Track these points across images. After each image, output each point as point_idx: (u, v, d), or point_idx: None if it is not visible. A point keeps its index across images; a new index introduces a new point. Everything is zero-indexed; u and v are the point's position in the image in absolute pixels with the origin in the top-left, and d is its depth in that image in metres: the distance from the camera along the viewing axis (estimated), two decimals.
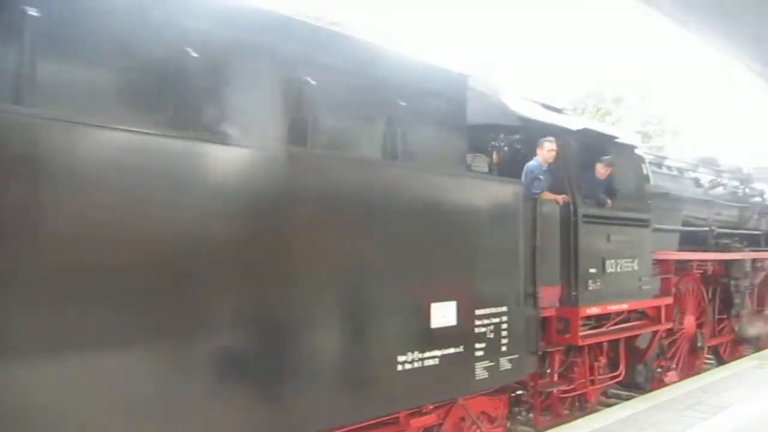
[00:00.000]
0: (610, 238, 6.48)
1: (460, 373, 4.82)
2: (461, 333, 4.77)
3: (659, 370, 7.95)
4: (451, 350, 4.70)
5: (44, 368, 2.72)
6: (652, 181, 8.15)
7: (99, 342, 2.90)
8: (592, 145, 6.62)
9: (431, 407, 4.86)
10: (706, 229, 9.30)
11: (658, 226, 7.57)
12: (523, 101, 6.53)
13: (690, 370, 8.70)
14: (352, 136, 4.42)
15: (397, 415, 4.52)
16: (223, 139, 3.52)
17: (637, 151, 7.60)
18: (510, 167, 6.13)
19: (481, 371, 4.97)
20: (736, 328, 9.87)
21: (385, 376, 4.25)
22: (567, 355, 6.39)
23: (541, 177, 5.81)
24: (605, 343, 6.80)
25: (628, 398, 7.41)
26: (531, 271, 5.55)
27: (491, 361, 5.05)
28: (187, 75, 3.50)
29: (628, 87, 27.66)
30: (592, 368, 6.65)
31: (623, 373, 7.09)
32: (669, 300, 7.67)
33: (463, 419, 5.21)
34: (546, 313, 5.91)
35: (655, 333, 7.48)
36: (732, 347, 10.26)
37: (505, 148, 6.56)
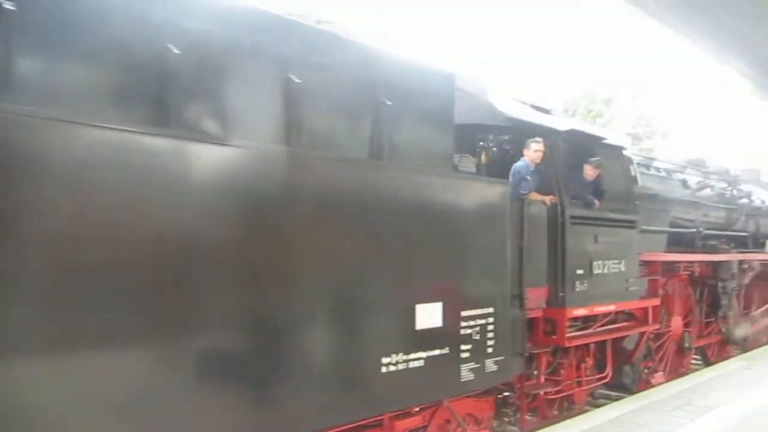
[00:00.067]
0: (597, 240, 6.47)
1: (446, 374, 4.78)
2: (447, 334, 4.74)
3: (646, 371, 7.95)
4: (437, 352, 4.66)
5: (20, 370, 2.67)
6: (640, 183, 8.16)
7: (71, 342, 2.85)
8: (580, 146, 6.61)
9: (416, 409, 4.82)
10: (694, 230, 9.33)
11: (645, 227, 7.58)
12: (510, 102, 6.51)
13: (677, 371, 8.72)
14: (337, 135, 4.37)
15: (381, 418, 4.48)
16: (203, 138, 3.47)
17: (625, 152, 7.59)
18: (499, 168, 6.11)
19: (466, 373, 4.94)
20: (723, 330, 9.91)
21: (369, 378, 4.20)
22: (554, 356, 6.38)
23: (528, 177, 5.79)
24: (592, 345, 6.79)
25: (617, 399, 7.41)
26: (518, 272, 5.52)
27: (477, 363, 5.02)
28: (168, 72, 3.44)
29: (620, 88, 27.79)
30: (579, 369, 6.64)
31: (610, 375, 7.08)
32: (656, 301, 7.68)
33: (448, 421, 5.17)
34: (533, 315, 5.89)
35: (642, 334, 7.48)
36: (719, 348, 10.30)
37: (494, 149, 6.55)
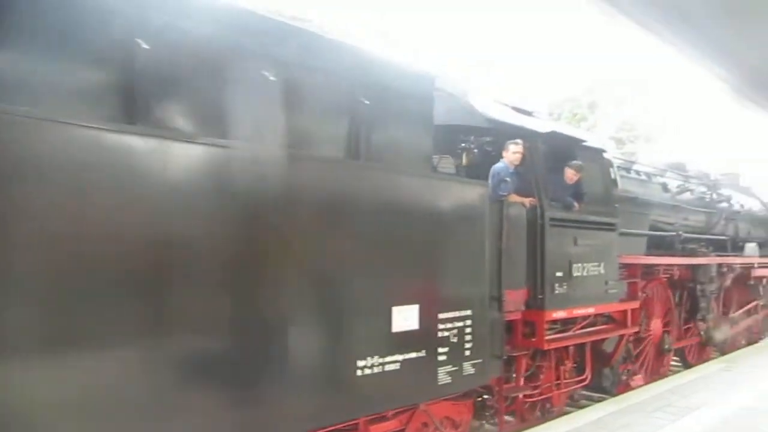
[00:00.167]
0: (576, 242, 6.45)
1: (422, 378, 4.73)
2: (423, 337, 4.69)
3: (624, 376, 7.96)
4: (413, 354, 4.61)
5: None
6: (620, 186, 8.18)
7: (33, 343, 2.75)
8: (560, 148, 6.60)
9: (392, 413, 4.76)
10: (674, 233, 9.38)
11: (625, 230, 7.60)
12: (491, 103, 6.48)
13: (656, 373, 8.75)
14: (312, 134, 4.30)
15: (356, 422, 4.41)
16: (173, 135, 3.38)
17: (605, 155, 7.60)
18: (480, 169, 6.07)
19: (444, 376, 4.89)
20: (702, 332, 9.98)
21: (344, 382, 4.13)
22: (533, 359, 6.35)
23: (507, 179, 5.75)
24: (571, 347, 6.77)
25: (600, 401, 7.41)
26: (496, 274, 5.48)
27: (454, 366, 4.97)
28: (137, 68, 3.35)
29: (604, 93, 27.98)
30: (558, 372, 6.62)
31: (589, 377, 7.08)
32: (635, 304, 7.69)
33: (426, 425, 5.12)
34: (511, 317, 5.86)
35: (621, 337, 7.49)
36: (698, 351, 10.37)
37: (475, 150, 6.52)
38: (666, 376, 8.83)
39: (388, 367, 4.39)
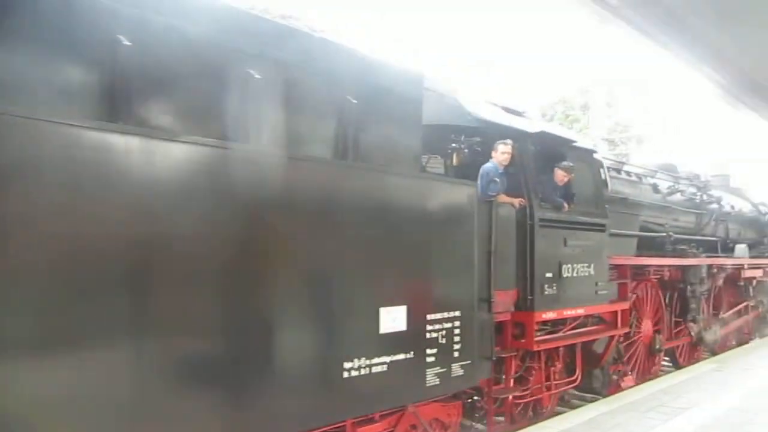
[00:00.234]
0: (566, 243, 6.43)
1: (410, 379, 4.69)
2: (411, 338, 4.65)
3: (615, 376, 7.95)
4: (401, 356, 4.57)
5: None
6: (610, 187, 8.18)
7: None
8: (550, 149, 6.58)
9: (380, 415, 4.72)
10: (664, 234, 9.39)
11: (615, 231, 7.59)
12: (481, 103, 6.45)
13: (647, 374, 8.75)
14: (299, 134, 4.25)
15: (342, 424, 4.36)
16: (156, 134, 3.33)
17: (595, 155, 7.60)
18: (470, 169, 6.04)
19: (432, 377, 4.86)
20: (693, 333, 9.99)
21: (330, 384, 4.09)
22: (523, 360, 6.32)
23: (497, 179, 5.72)
24: (561, 348, 6.75)
25: (592, 401, 7.40)
26: (486, 275, 5.45)
27: (443, 367, 4.94)
28: (118, 66, 3.30)
29: (596, 95, 28.06)
30: (548, 373, 6.60)
31: (579, 378, 7.06)
32: (625, 305, 7.68)
33: (414, 427, 5.08)
34: (501, 318, 5.83)
35: (611, 338, 7.48)
36: (689, 352, 10.38)
37: (466, 151, 6.48)
38: (657, 376, 8.83)
39: (375, 369, 4.35)
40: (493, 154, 5.92)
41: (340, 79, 4.45)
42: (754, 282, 12.26)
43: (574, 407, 7.19)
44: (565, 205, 6.50)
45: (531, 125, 6.59)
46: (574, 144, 7.02)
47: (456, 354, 5.05)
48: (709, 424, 6.01)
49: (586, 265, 6.70)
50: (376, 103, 4.68)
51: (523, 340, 6.03)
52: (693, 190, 10.86)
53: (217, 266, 3.48)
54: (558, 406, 7.13)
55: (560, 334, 6.54)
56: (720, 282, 10.84)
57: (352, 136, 4.50)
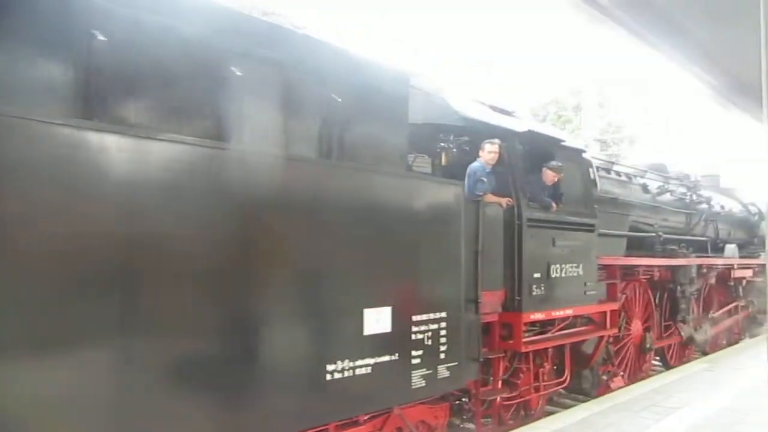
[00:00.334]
0: (555, 243, 6.39)
1: (396, 381, 4.64)
2: (396, 340, 4.60)
3: (605, 377, 7.91)
4: (386, 358, 4.51)
5: None
6: (599, 186, 8.14)
7: None
8: (539, 148, 6.54)
9: (365, 418, 4.66)
10: (653, 234, 9.37)
11: (604, 231, 7.55)
12: (468, 102, 6.40)
13: (637, 374, 8.73)
14: (282, 132, 4.17)
15: (325, 427, 4.30)
16: (134, 132, 3.25)
17: (584, 155, 7.56)
18: (457, 169, 5.98)
19: (418, 379, 4.80)
20: (683, 333, 9.98)
21: (312, 386, 4.02)
22: (511, 361, 6.28)
23: (484, 179, 5.67)
24: (550, 349, 6.71)
25: (584, 401, 7.36)
26: (473, 276, 5.39)
27: (429, 369, 4.88)
28: (92, 62, 3.22)
29: (588, 96, 28.10)
30: (536, 375, 6.55)
31: (568, 379, 7.02)
32: (614, 305, 7.65)
33: (400, 429, 5.01)
34: (488, 319, 5.78)
35: (600, 338, 7.44)
36: (679, 352, 10.37)
37: (454, 150, 6.42)
38: (648, 376, 8.81)
39: (359, 371, 4.29)
40: (480, 153, 5.88)
41: (325, 77, 4.39)
42: (744, 282, 12.27)
43: (566, 407, 7.15)
44: (554, 204, 6.46)
45: (519, 124, 6.55)
46: (563, 143, 6.98)
47: (442, 355, 4.99)
48: (700, 424, 6.01)
49: (575, 265, 6.66)
50: (362, 101, 4.62)
51: (510, 341, 5.98)
52: (683, 190, 10.86)
53: (198, 266, 3.41)
54: (549, 406, 7.10)
55: (549, 335, 6.50)
56: (710, 282, 10.84)
57: (336, 135, 4.44)
